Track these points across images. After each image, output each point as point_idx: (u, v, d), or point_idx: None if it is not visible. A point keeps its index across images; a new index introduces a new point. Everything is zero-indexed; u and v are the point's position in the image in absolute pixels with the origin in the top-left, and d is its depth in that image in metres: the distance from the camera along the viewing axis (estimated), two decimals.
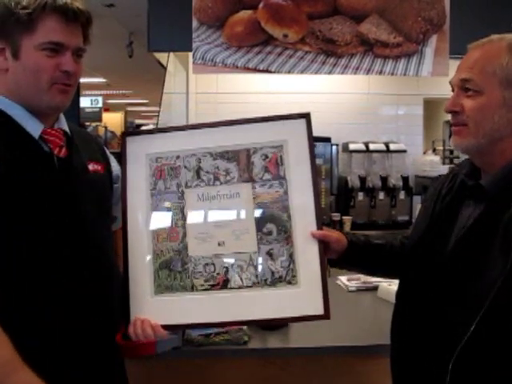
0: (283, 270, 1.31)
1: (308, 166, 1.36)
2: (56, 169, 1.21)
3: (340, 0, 2.99)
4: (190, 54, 3.04)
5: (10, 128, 1.18)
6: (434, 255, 1.16)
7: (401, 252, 1.34)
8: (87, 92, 9.91)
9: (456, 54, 2.98)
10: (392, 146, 3.93)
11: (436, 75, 3.04)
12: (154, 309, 1.31)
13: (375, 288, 2.24)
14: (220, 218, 1.34)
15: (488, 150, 1.12)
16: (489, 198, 1.11)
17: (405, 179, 3.86)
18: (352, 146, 3.89)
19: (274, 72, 2.95)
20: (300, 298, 1.30)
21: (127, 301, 1.32)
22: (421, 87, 4.03)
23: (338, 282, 2.42)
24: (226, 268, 1.32)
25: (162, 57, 3.65)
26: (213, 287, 1.31)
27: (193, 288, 1.32)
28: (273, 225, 1.33)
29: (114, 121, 10.87)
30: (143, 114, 15.85)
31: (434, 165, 4.07)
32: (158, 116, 3.58)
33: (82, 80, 6.67)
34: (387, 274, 1.50)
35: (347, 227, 3.65)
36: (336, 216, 3.71)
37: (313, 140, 1.38)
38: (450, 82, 1.16)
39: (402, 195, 3.86)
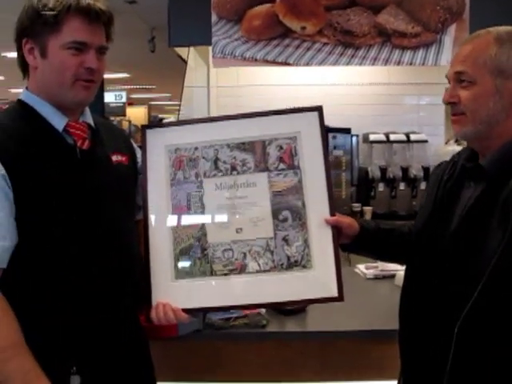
0: (298, 255, 1.37)
1: (321, 156, 1.41)
2: (78, 160, 1.28)
3: None
4: (210, 48, 3.11)
5: (37, 122, 1.26)
6: (437, 237, 1.22)
7: (409, 237, 1.39)
8: (111, 87, 10.07)
9: None
10: (413, 137, 3.92)
11: None
12: (175, 293, 1.38)
13: (392, 276, 2.28)
14: (237, 206, 1.40)
15: (486, 134, 1.18)
16: (488, 177, 1.16)
17: (426, 170, 3.85)
18: (372, 137, 3.90)
19: (293, 64, 2.99)
20: (315, 281, 1.36)
21: (149, 286, 1.39)
22: (442, 76, 3.99)
23: (357, 270, 2.47)
24: (244, 253, 1.38)
25: (182, 51, 3.71)
26: (231, 272, 1.38)
27: (212, 273, 1.38)
28: (288, 212, 1.39)
29: (138, 115, 11.04)
30: (167, 107, 16.00)
31: None
32: (179, 110, 3.65)
33: (106, 75, 6.79)
34: (396, 259, 1.54)
35: (368, 217, 3.67)
36: (357, 206, 3.73)
37: (325, 131, 1.44)
38: (447, 76, 1.22)
39: (422, 186, 3.84)
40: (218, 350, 1.80)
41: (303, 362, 1.80)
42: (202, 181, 1.42)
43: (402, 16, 2.99)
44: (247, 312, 1.81)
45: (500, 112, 1.15)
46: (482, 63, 1.15)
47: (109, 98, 9.47)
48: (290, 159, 1.42)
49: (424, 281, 1.24)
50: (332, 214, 1.38)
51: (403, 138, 3.91)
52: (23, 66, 1.29)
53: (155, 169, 1.44)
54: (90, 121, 1.35)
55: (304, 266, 1.37)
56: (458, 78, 1.19)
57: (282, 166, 1.42)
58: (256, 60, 2.98)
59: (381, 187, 3.83)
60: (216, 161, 1.43)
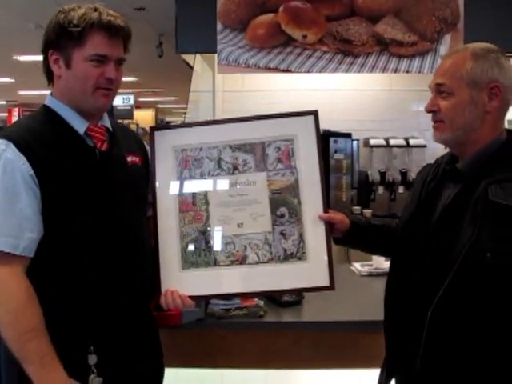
0: (294, 248, 1.50)
1: (316, 157, 1.54)
2: (98, 161, 1.40)
3: (357, 2, 3.14)
4: (216, 55, 3.24)
5: (60, 125, 1.39)
6: (419, 232, 1.34)
7: (396, 232, 1.51)
8: (119, 91, 10.19)
9: None
10: (412, 142, 4.03)
11: None
12: (182, 282, 1.51)
13: (385, 274, 2.37)
14: (239, 202, 1.53)
15: (463, 140, 1.30)
16: (464, 178, 1.29)
17: None
18: (373, 142, 4.02)
19: (294, 71, 3.13)
20: (309, 272, 1.49)
21: (158, 276, 1.52)
22: None
23: (352, 267, 2.59)
24: (245, 246, 1.51)
25: (189, 57, 3.86)
26: (233, 263, 1.51)
27: (215, 263, 1.51)
28: (285, 208, 1.52)
29: (145, 118, 11.20)
30: (174, 110, 16.15)
31: None
32: (185, 114, 3.78)
33: None
34: (384, 252, 1.66)
35: None
36: (357, 209, 3.84)
37: (320, 134, 1.56)
38: (429, 86, 1.34)
39: None
40: (219, 338, 1.91)
41: (298, 351, 1.91)
42: (206, 179, 1.55)
43: (399, 26, 3.12)
44: (246, 303, 1.93)
45: (475, 120, 1.28)
46: (459, 76, 1.27)
47: (117, 101, 9.61)
48: (287, 160, 1.55)
49: (406, 272, 1.36)
50: (325, 210, 1.50)
51: (403, 142, 4.02)
52: (48, 74, 1.43)
53: (163, 168, 1.56)
54: (108, 124, 1.48)
55: (299, 258, 1.50)
56: (439, 89, 1.31)
57: (279, 166, 1.55)
58: (259, 67, 3.12)
59: (380, 190, 3.94)
60: (219, 161, 1.56)
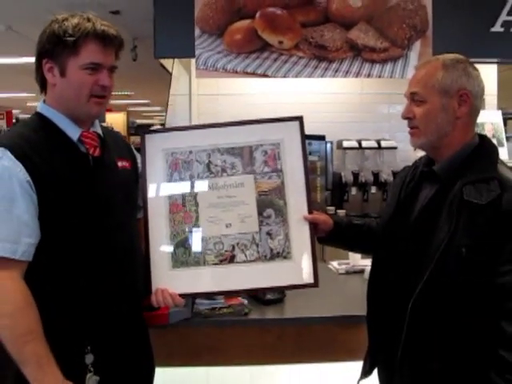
0: (280, 247, 1.57)
1: (301, 161, 1.62)
2: (91, 167, 1.45)
3: (331, 9, 3.24)
4: (193, 59, 3.29)
5: (54, 132, 1.42)
6: (399, 230, 1.44)
7: (376, 231, 1.61)
8: None
9: None
10: (383, 143, 4.16)
11: None
12: (172, 280, 1.57)
13: (362, 271, 2.50)
14: (227, 204, 1.60)
15: (437, 144, 1.40)
16: (440, 180, 1.39)
17: (395, 174, 4.09)
18: (346, 144, 4.13)
19: (271, 76, 3.20)
20: (294, 270, 1.57)
21: (149, 275, 1.57)
22: None
23: (330, 266, 2.68)
24: (233, 246, 1.58)
25: (166, 61, 3.89)
26: (221, 262, 1.57)
27: (204, 263, 1.57)
28: (271, 209, 1.59)
29: (117, 121, 11.11)
30: (144, 114, 16.04)
31: None
32: (166, 116, 3.82)
33: None
34: (364, 250, 1.75)
35: None
36: (331, 210, 3.94)
37: (305, 139, 1.65)
38: (405, 95, 1.44)
39: None
40: (205, 336, 1.98)
41: (281, 346, 1.99)
42: (195, 181, 1.61)
43: (371, 32, 3.23)
44: (231, 302, 2.00)
45: (447, 125, 1.38)
46: (431, 85, 1.37)
47: None
48: (273, 163, 1.62)
49: (387, 268, 1.46)
50: (310, 211, 1.59)
51: (374, 144, 4.15)
52: (42, 82, 1.46)
53: (153, 170, 1.62)
54: (99, 130, 1.52)
55: (285, 257, 1.57)
56: (413, 98, 1.41)
57: (266, 169, 1.62)
58: (237, 72, 3.18)
59: (353, 191, 4.06)
60: (208, 164, 1.62)
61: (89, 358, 1.39)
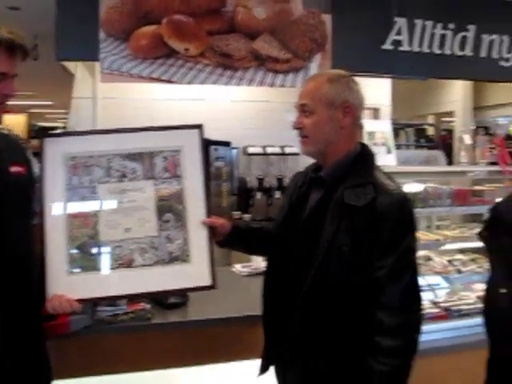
0: (179, 251, 1.61)
1: (200, 167, 1.67)
2: None
3: (236, 19, 3.34)
4: (97, 62, 3.23)
5: None
6: (290, 231, 1.53)
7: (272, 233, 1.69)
8: None
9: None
10: (287, 150, 4.33)
11: None
12: (70, 286, 1.55)
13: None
14: (127, 208, 1.61)
15: (324, 152, 1.52)
16: (326, 185, 1.50)
17: None
18: (251, 150, 4.26)
19: (177, 82, 3.22)
20: (193, 273, 1.61)
21: (43, 282, 1.53)
22: None
23: (234, 269, 2.75)
24: (132, 250, 1.59)
25: (68, 63, 3.79)
26: (120, 266, 1.58)
27: (103, 267, 1.57)
28: (171, 214, 1.63)
29: (17, 122, 10.53)
30: (47, 116, 15.33)
31: None
32: (68, 120, 3.72)
33: None
34: (262, 252, 1.83)
35: None
36: (237, 214, 4.04)
37: (205, 146, 1.70)
38: (295, 106, 1.54)
39: None
40: (107, 343, 1.95)
41: (185, 349, 2.02)
42: (95, 186, 1.61)
43: (275, 43, 3.36)
44: (133, 307, 2.00)
45: (333, 135, 1.49)
46: (318, 98, 1.48)
47: None
48: (173, 169, 1.66)
49: (279, 267, 1.55)
50: (208, 216, 1.64)
51: (279, 150, 4.31)
52: None
53: (52, 175, 1.59)
54: None
55: (184, 261, 1.61)
56: (302, 109, 1.52)
57: (166, 174, 1.65)
58: (142, 77, 3.17)
59: (258, 196, 4.19)
60: (108, 169, 1.62)
61: None
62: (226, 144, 4.01)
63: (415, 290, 1.40)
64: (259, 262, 2.67)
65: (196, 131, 1.69)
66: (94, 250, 1.58)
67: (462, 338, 2.45)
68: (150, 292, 1.64)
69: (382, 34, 3.61)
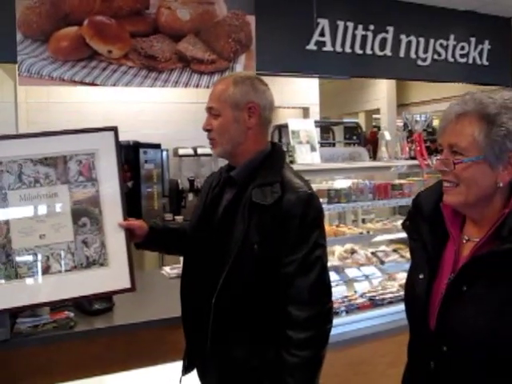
0: (96, 255, 1.59)
1: (116, 170, 1.65)
2: None
3: (160, 20, 3.32)
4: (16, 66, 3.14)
5: None
6: (205, 231, 1.55)
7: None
8: None
9: (261, 70, 3.50)
10: None
11: None
12: None
13: None
14: (41, 214, 1.57)
15: (233, 152, 1.54)
16: (237, 185, 1.52)
17: None
18: (181, 151, 4.25)
19: (100, 85, 3.18)
20: (111, 276, 1.60)
21: None
22: None
23: (163, 271, 2.74)
24: (47, 256, 1.55)
25: None
26: (36, 273, 1.54)
27: (17, 276, 1.53)
28: (87, 218, 1.60)
29: None
30: None
31: None
32: None
33: None
34: (180, 252, 1.83)
35: None
36: (168, 216, 4.02)
37: (120, 148, 1.68)
38: (205, 109, 1.55)
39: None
40: (28, 356, 1.89)
41: (111, 355, 1.99)
42: (6, 193, 1.56)
43: (199, 45, 3.38)
44: (56, 317, 1.95)
45: (240, 135, 1.51)
46: (223, 100, 1.50)
47: None
48: (88, 172, 1.63)
49: (196, 266, 1.56)
50: (125, 218, 1.63)
51: (210, 151, 4.30)
52: None
53: None
54: None
55: (102, 264, 1.59)
56: (210, 111, 1.53)
57: (81, 178, 1.62)
58: (64, 80, 3.10)
59: (190, 197, 4.18)
60: (20, 174, 1.58)
61: None
62: (156, 146, 3.98)
63: (324, 284, 1.44)
64: None
65: (111, 133, 1.67)
66: (7, 260, 1.53)
67: (386, 324, 2.56)
68: (67, 298, 1.61)
69: (306, 35, 3.71)
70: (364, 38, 3.96)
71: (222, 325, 1.44)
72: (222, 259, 1.44)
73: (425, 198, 1.26)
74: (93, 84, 3.16)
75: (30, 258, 1.55)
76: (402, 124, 3.47)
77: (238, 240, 1.42)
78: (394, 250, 2.93)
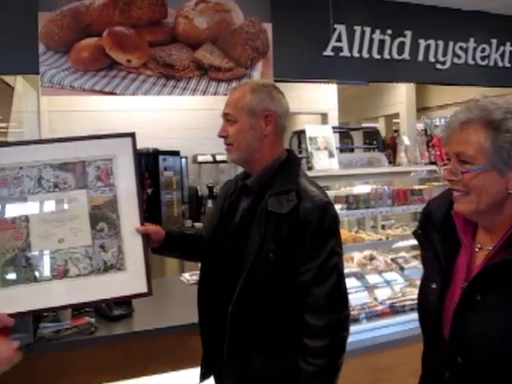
0: (114, 259, 1.61)
1: (133, 175, 1.67)
2: None
3: (177, 29, 3.36)
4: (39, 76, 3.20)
5: None
6: (222, 239, 1.55)
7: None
8: None
9: (278, 77, 3.52)
10: None
11: None
12: (2, 301, 1.52)
13: None
14: (59, 218, 1.60)
15: (249, 159, 1.54)
16: (253, 193, 1.52)
17: None
18: (200, 158, 4.27)
19: (120, 94, 3.22)
20: (128, 281, 1.61)
21: None
22: None
23: (182, 278, 2.75)
24: (66, 260, 1.58)
25: (8, 77, 3.73)
26: (54, 277, 1.57)
27: (36, 279, 1.56)
28: (104, 223, 1.62)
29: None
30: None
31: None
32: (7, 133, 3.66)
33: None
34: (197, 258, 1.84)
35: None
36: (188, 223, 4.04)
37: (137, 154, 1.70)
38: (221, 115, 1.56)
39: None
40: (50, 360, 1.92)
41: (131, 361, 2.01)
42: (26, 197, 1.59)
43: (217, 53, 3.40)
44: (77, 322, 1.98)
45: (256, 142, 1.51)
46: (240, 107, 1.50)
47: None
48: (106, 178, 1.65)
49: (213, 274, 1.56)
50: (142, 223, 1.64)
51: None
52: None
53: None
54: None
55: (119, 269, 1.61)
56: (226, 118, 1.53)
57: (99, 183, 1.65)
58: (84, 89, 3.16)
59: (209, 204, 4.20)
60: (39, 179, 1.61)
61: None
62: (175, 153, 4.01)
63: (340, 292, 1.43)
64: None
65: (128, 139, 1.69)
66: (27, 263, 1.56)
67: (408, 331, 2.52)
68: (85, 302, 1.63)
69: (323, 41, 3.71)
70: (382, 42, 3.94)
71: (239, 332, 1.45)
72: (238, 267, 1.45)
73: (435, 207, 1.24)
74: (112, 93, 3.21)
75: (48, 261, 1.57)
76: (421, 128, 3.44)
77: (253, 249, 1.42)
78: (414, 257, 2.89)
